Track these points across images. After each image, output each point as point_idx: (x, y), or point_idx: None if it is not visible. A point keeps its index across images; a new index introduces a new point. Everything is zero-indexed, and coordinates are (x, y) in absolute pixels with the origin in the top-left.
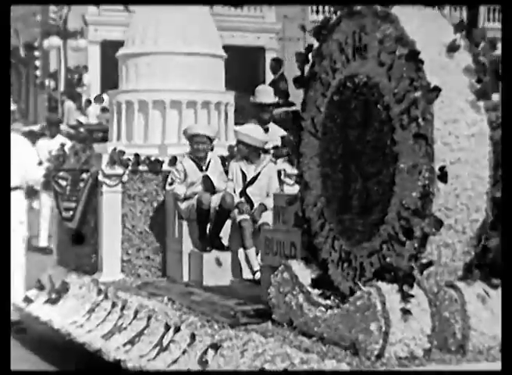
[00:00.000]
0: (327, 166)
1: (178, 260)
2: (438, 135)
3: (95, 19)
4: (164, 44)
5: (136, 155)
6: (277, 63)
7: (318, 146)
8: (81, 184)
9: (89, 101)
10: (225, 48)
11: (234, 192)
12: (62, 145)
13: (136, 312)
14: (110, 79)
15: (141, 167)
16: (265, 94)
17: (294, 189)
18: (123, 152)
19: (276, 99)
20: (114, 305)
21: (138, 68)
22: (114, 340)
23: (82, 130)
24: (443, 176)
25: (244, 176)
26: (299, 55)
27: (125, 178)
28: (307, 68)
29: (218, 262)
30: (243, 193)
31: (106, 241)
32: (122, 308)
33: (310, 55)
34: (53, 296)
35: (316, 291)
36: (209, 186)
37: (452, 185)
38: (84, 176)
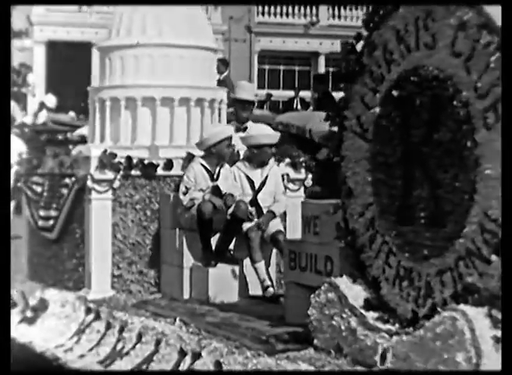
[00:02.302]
0: (380, 171)
1: (177, 275)
2: None
3: (40, 19)
4: (153, 35)
5: (129, 158)
6: (223, 64)
7: (367, 148)
8: (63, 190)
9: (42, 105)
10: None
11: None
12: (36, 148)
13: (140, 335)
14: (55, 79)
15: (133, 172)
16: (246, 90)
17: (298, 195)
18: (115, 155)
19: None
20: (109, 326)
21: (124, 61)
22: (116, 367)
23: (27, 130)
24: None
25: (251, 182)
26: (345, 45)
27: (116, 184)
28: None
29: (235, 276)
30: (253, 201)
31: (95, 253)
32: (121, 330)
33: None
34: (29, 315)
35: (372, 314)
36: (218, 197)
37: None
38: (67, 181)
